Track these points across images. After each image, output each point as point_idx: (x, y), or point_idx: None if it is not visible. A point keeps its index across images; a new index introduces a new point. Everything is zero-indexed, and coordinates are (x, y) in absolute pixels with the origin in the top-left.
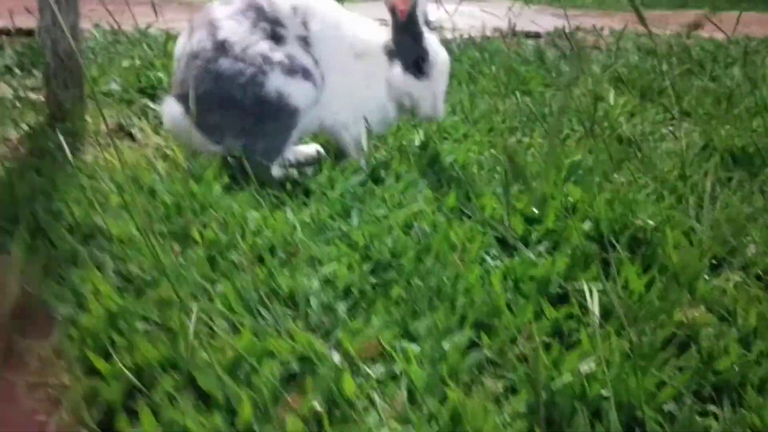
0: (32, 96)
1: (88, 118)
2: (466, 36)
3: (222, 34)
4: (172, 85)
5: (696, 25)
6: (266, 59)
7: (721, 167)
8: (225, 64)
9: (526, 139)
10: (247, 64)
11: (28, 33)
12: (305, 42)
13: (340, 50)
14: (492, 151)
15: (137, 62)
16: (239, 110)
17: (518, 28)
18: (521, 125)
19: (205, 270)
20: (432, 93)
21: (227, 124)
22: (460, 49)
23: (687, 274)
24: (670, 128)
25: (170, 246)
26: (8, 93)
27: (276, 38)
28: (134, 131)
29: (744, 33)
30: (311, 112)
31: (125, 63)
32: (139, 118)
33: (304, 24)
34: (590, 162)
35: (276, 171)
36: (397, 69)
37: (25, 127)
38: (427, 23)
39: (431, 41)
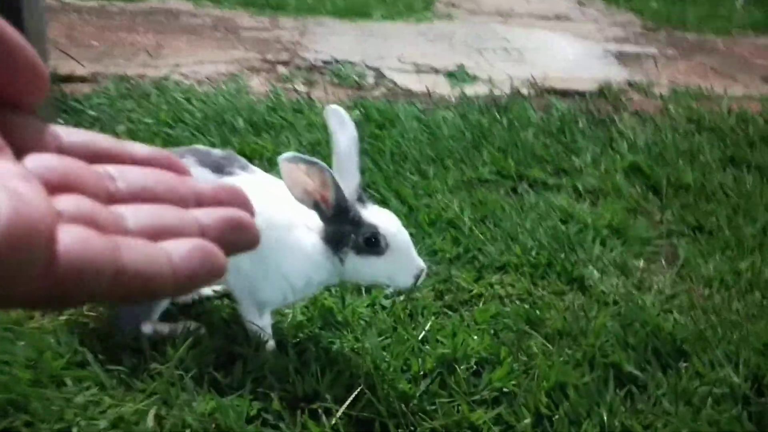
0: None
1: None
2: (498, 91)
3: None
4: None
5: None
6: None
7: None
8: None
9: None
10: None
11: None
12: None
13: None
14: None
15: (131, 126)
16: None
17: (570, 74)
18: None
19: None
20: (400, 263)
21: None
22: (482, 112)
23: None
24: (643, 263)
25: None
26: None
27: None
28: None
29: None
30: None
31: (120, 128)
32: None
33: None
34: None
35: (146, 329)
36: (352, 256)
37: None
38: (361, 198)
39: (372, 213)
